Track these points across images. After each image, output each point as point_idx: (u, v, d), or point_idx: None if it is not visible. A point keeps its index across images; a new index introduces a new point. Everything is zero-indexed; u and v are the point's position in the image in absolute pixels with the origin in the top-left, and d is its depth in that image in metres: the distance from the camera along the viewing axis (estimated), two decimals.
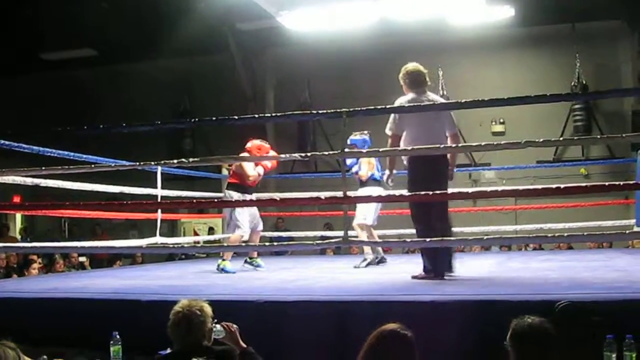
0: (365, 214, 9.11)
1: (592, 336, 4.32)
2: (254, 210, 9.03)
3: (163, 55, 17.34)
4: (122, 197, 9.66)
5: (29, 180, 8.16)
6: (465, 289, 5.97)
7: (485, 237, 7.00)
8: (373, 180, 9.25)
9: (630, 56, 15.75)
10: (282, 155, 7.08)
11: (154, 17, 15.19)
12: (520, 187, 6.20)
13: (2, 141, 7.52)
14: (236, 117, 6.81)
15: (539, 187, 6.71)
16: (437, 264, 6.97)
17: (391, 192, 9.00)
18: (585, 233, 5.92)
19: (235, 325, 4.57)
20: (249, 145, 9.02)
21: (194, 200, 10.93)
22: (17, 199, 16.51)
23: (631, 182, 7.73)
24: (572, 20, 15.81)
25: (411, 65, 7.78)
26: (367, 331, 3.63)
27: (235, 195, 8.71)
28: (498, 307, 4.78)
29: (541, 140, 5.73)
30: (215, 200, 10.41)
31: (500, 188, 6.93)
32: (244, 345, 4.53)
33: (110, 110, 17.59)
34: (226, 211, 9.59)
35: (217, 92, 17.54)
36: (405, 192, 7.09)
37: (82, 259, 13.63)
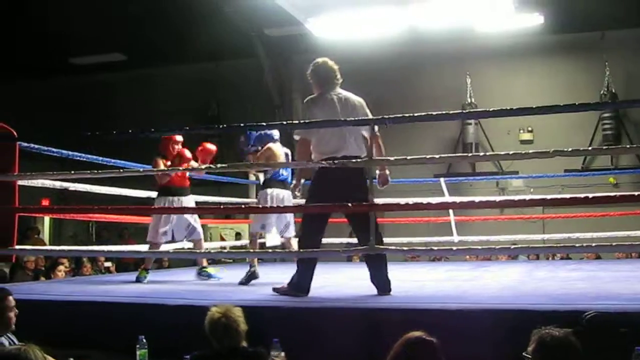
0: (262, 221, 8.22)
1: (619, 348, 4.28)
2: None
3: (191, 60, 17.44)
4: (149, 201, 9.70)
5: (58, 184, 8.22)
6: (492, 299, 5.95)
7: (513, 247, 6.95)
8: (276, 181, 8.25)
9: None
10: (310, 163, 7.07)
11: (182, 22, 15.26)
12: (548, 196, 6.13)
13: (32, 145, 7.58)
14: (264, 124, 6.84)
15: (567, 196, 6.66)
16: (301, 280, 6.40)
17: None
18: (613, 243, 5.90)
19: None
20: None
21: (221, 206, 10.96)
22: (45, 202, 16.64)
23: None
24: (602, 28, 15.74)
25: (320, 60, 7.00)
26: (395, 338, 3.62)
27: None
28: (524, 316, 4.74)
29: (570, 149, 5.68)
30: (243, 205, 10.41)
31: (527, 197, 6.90)
32: None
33: (139, 115, 17.68)
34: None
35: (244, 98, 17.58)
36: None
37: (108, 264, 13.69)
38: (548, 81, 16.56)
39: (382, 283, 6.56)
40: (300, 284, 6.38)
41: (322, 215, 6.71)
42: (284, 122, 8.46)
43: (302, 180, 7.13)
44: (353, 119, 6.22)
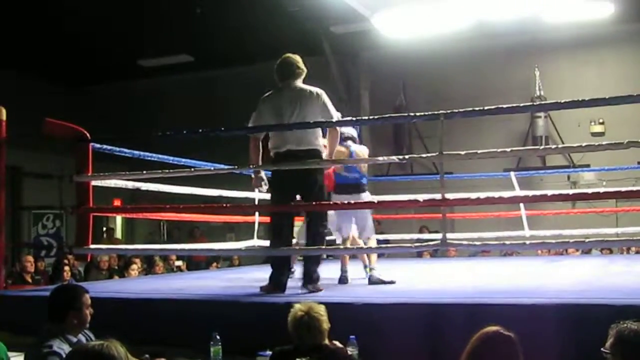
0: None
1: None
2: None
3: (258, 58, 17.53)
4: (220, 200, 9.79)
5: (130, 184, 8.36)
6: (567, 293, 5.87)
7: (586, 240, 6.85)
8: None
9: None
10: (380, 158, 7.05)
11: (248, 21, 15.35)
12: (622, 189, 6.03)
13: (105, 146, 7.71)
14: (333, 120, 6.82)
15: None
16: (276, 276, 6.56)
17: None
18: None
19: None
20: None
21: (292, 203, 11.00)
22: (117, 203, 16.93)
23: None
24: None
25: (281, 57, 7.14)
26: (463, 334, 3.59)
27: None
28: (599, 311, 4.67)
29: None
30: (313, 202, 10.41)
31: (600, 190, 6.77)
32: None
33: (203, 116, 17.83)
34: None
35: None
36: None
37: (179, 262, 13.86)
38: (619, 71, 16.26)
39: (306, 277, 6.68)
40: (277, 281, 6.53)
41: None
42: (353, 118, 8.37)
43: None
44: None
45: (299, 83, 6.91)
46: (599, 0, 13.07)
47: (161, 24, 15.43)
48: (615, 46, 16.45)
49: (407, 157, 7.60)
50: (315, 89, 6.82)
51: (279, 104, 6.78)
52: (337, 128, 6.83)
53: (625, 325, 3.52)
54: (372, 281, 7.32)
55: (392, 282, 7.23)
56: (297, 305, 4.54)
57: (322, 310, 4.51)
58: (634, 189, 8.00)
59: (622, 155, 12.78)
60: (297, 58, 7.08)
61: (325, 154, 6.77)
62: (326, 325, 4.47)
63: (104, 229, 17.56)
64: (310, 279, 6.64)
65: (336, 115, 6.84)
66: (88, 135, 7.20)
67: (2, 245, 7.22)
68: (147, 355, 4.74)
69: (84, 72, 18.52)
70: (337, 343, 4.68)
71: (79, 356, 3.07)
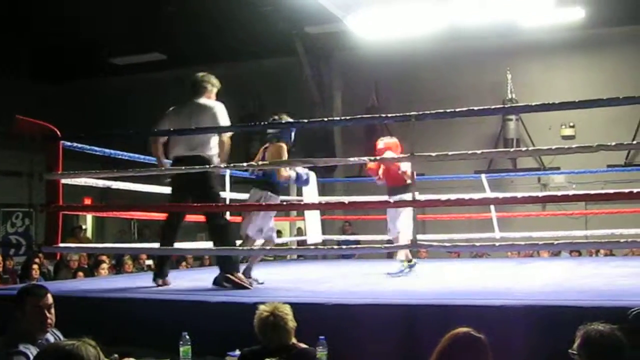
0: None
1: None
2: None
3: (231, 58, 17.49)
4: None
5: (101, 183, 8.30)
6: (536, 295, 5.91)
7: (555, 243, 6.89)
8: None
9: None
10: (351, 159, 7.06)
11: (221, 20, 15.31)
12: (591, 192, 6.08)
13: (75, 144, 7.66)
14: (305, 121, 6.84)
15: (610, 191, 6.57)
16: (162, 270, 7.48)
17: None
18: None
19: None
20: (387, 142, 8.79)
21: (263, 204, 10.98)
22: (87, 201, 16.82)
23: None
24: None
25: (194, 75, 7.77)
26: (433, 336, 3.59)
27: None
28: (567, 313, 4.71)
29: (613, 144, 5.63)
30: (284, 203, 10.41)
31: (570, 192, 6.77)
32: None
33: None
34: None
35: (284, 96, 17.60)
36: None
37: (149, 262, 13.78)
38: (590, 76, 16.40)
39: (217, 279, 7.12)
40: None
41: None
42: (325, 119, 8.38)
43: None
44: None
45: (202, 99, 7.42)
46: (570, 5, 13.16)
47: (133, 22, 15.33)
48: (586, 51, 16.59)
49: (378, 158, 7.57)
50: (212, 103, 7.38)
51: (177, 118, 7.35)
52: (225, 138, 7.23)
53: (592, 326, 3.55)
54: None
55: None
56: (261, 306, 4.56)
57: (287, 309, 4.53)
58: (603, 192, 8.05)
59: (592, 159, 12.95)
60: (204, 76, 7.69)
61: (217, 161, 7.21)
62: (292, 323, 4.49)
63: (74, 227, 17.42)
64: (226, 266, 7.13)
65: (225, 120, 7.21)
66: (58, 133, 7.14)
67: None
68: (115, 355, 4.70)
69: (55, 69, 18.39)
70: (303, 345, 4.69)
71: (49, 356, 3.04)
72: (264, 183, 7.80)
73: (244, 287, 6.82)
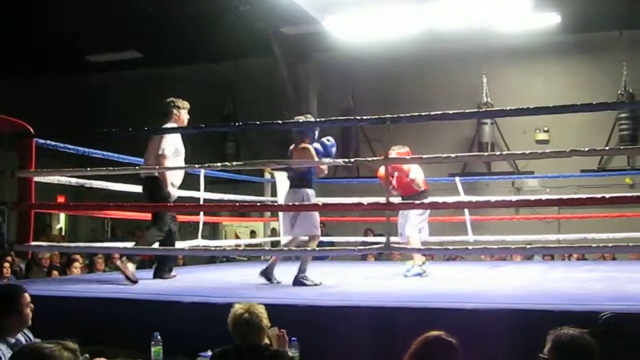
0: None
1: (635, 349, 4.26)
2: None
3: (207, 58, 17.45)
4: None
5: (74, 181, 8.24)
6: (508, 298, 5.93)
7: (528, 247, 6.94)
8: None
9: None
10: (325, 160, 7.06)
11: (198, 21, 15.26)
12: (564, 196, 6.12)
13: (48, 141, 7.61)
14: (280, 122, 6.85)
15: (583, 196, 6.63)
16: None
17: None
18: (629, 244, 5.85)
19: (283, 330, 4.83)
20: (399, 152, 8.44)
21: (237, 204, 10.98)
22: (61, 199, 16.71)
23: None
24: (619, 28, 15.63)
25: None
26: (408, 338, 3.60)
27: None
28: (540, 316, 4.73)
29: (587, 149, 5.67)
30: (258, 204, 10.41)
31: (543, 197, 6.82)
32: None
33: (155, 113, 17.70)
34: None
35: (260, 96, 17.59)
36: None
37: (119, 263, 13.68)
38: (565, 81, 16.50)
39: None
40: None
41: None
42: (300, 120, 8.35)
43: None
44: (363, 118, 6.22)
45: (169, 124, 8.17)
46: (546, 10, 13.25)
47: (109, 20, 15.24)
48: (561, 56, 16.69)
49: (353, 160, 7.59)
50: (169, 127, 8.11)
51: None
52: (164, 154, 7.73)
53: (563, 330, 3.56)
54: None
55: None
56: (236, 305, 4.55)
57: (261, 308, 4.51)
58: (576, 196, 8.11)
59: (566, 164, 13.04)
60: (170, 102, 8.34)
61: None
62: (266, 322, 4.48)
63: (46, 225, 17.31)
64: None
65: (162, 146, 7.75)
66: (31, 130, 7.10)
67: None
68: (87, 355, 4.66)
69: (29, 66, 18.22)
70: (278, 329, 4.76)
71: (27, 356, 3.02)
72: (299, 182, 7.71)
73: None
